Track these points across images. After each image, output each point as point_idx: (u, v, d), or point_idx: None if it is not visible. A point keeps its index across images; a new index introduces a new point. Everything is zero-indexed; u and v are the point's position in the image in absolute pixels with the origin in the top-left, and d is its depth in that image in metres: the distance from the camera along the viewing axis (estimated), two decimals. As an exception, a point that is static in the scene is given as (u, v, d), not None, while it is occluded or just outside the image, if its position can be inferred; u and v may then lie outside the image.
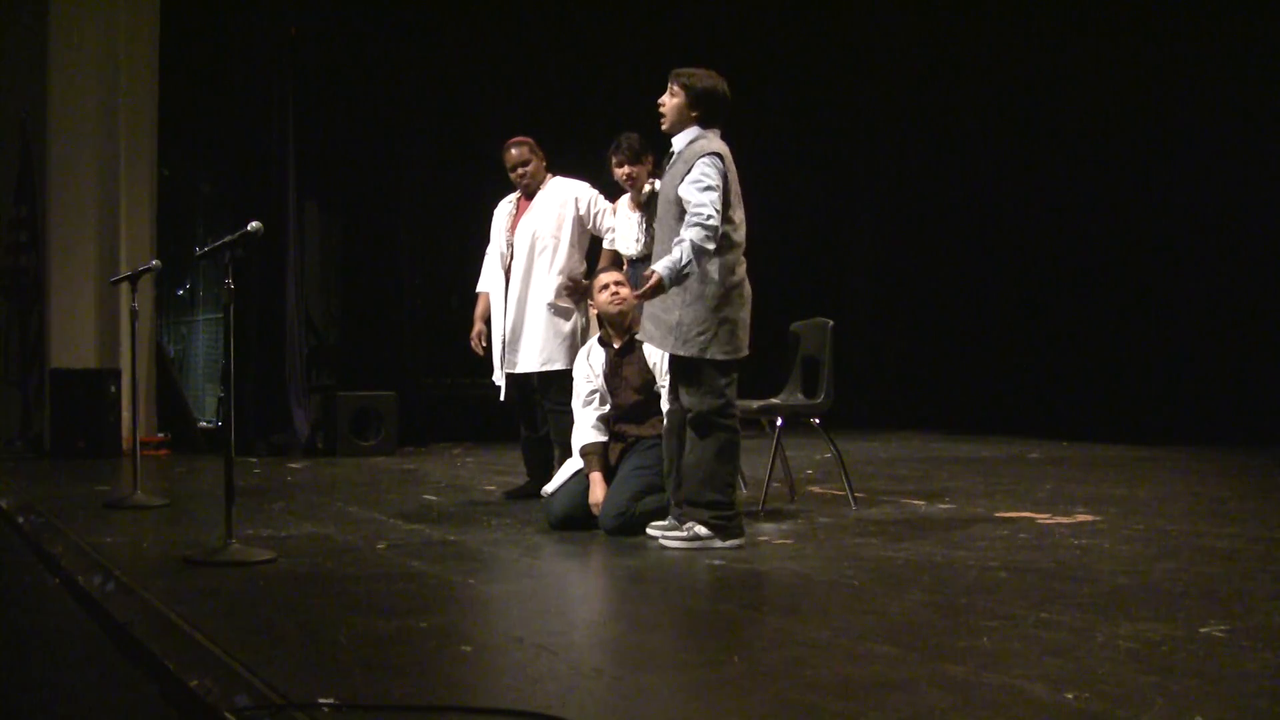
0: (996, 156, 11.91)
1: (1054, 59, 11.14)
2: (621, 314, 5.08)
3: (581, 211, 6.02)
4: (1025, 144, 11.67)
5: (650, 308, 4.51)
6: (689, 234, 4.25)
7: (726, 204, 4.37)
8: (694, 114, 4.47)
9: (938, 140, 12.59)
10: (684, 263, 4.24)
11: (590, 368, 5.16)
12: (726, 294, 4.41)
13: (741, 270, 4.50)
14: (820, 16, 11.65)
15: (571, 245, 6.01)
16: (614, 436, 5.10)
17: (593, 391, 5.12)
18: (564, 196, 6.05)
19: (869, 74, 12.29)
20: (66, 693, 2.96)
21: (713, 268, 4.36)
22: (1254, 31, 9.77)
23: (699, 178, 4.33)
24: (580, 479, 5.05)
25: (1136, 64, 10.57)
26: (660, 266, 4.25)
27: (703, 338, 4.37)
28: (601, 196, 6.07)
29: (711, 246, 4.28)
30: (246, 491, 6.17)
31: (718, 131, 4.54)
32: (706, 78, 4.49)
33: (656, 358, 4.90)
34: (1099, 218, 11.20)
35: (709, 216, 4.26)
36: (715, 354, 4.38)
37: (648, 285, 4.25)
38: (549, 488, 5.27)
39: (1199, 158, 10.25)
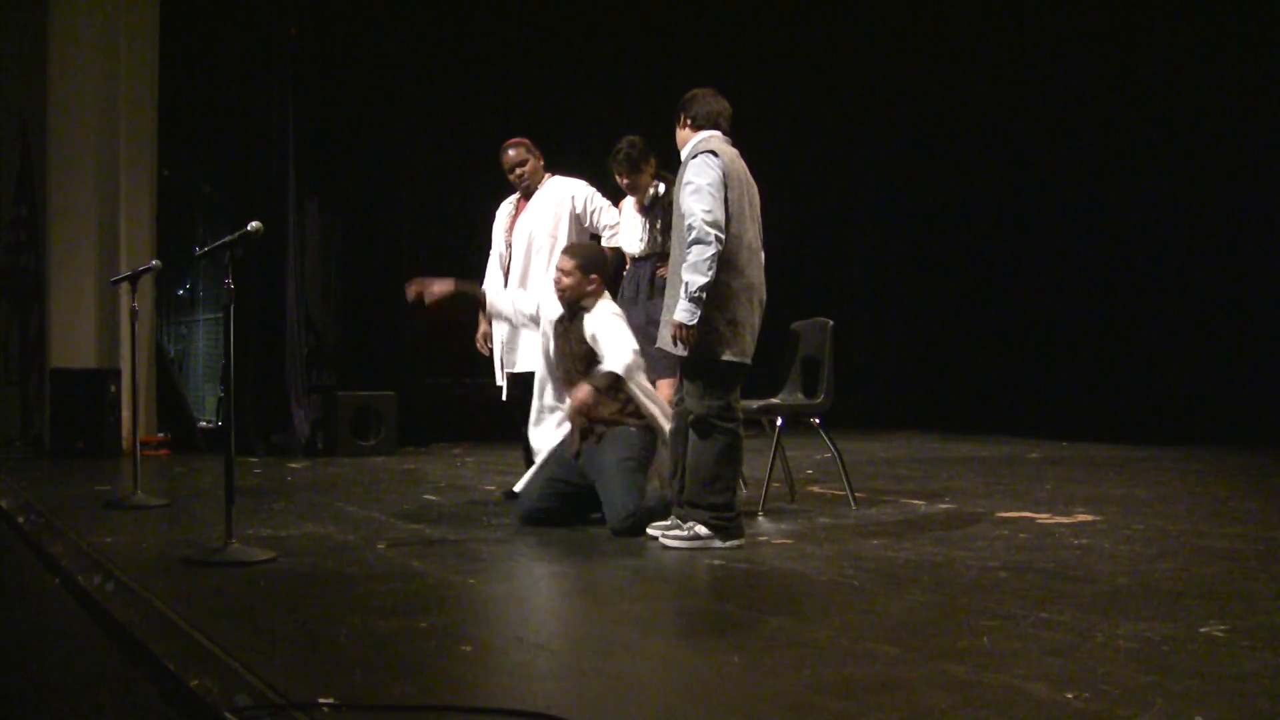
0: (997, 157, 11.91)
1: (1053, 59, 11.14)
2: (563, 296, 5.11)
3: (578, 209, 5.99)
4: (1026, 145, 11.67)
5: (662, 311, 4.53)
6: (688, 257, 4.30)
7: (726, 199, 4.37)
8: (685, 124, 4.61)
9: (938, 140, 12.59)
10: (693, 291, 4.28)
11: (543, 306, 5.28)
12: (733, 295, 4.39)
13: (754, 273, 4.47)
14: (820, 16, 11.65)
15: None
16: (585, 431, 5.04)
17: (535, 310, 5.31)
18: (560, 195, 6.03)
19: (869, 74, 12.28)
20: (66, 692, 2.96)
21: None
22: (1253, 31, 9.77)
23: (688, 180, 4.40)
24: (546, 472, 5.06)
25: (1136, 64, 10.58)
26: (678, 315, 4.31)
27: (705, 339, 4.36)
28: (599, 194, 6.04)
29: (710, 252, 4.28)
30: (246, 491, 6.16)
31: (719, 134, 4.56)
32: (686, 95, 4.67)
33: (594, 329, 4.95)
34: (1099, 218, 11.21)
35: (698, 225, 4.29)
36: (720, 355, 4.37)
37: (684, 335, 4.32)
38: (519, 486, 5.27)
39: (1198, 158, 10.25)
